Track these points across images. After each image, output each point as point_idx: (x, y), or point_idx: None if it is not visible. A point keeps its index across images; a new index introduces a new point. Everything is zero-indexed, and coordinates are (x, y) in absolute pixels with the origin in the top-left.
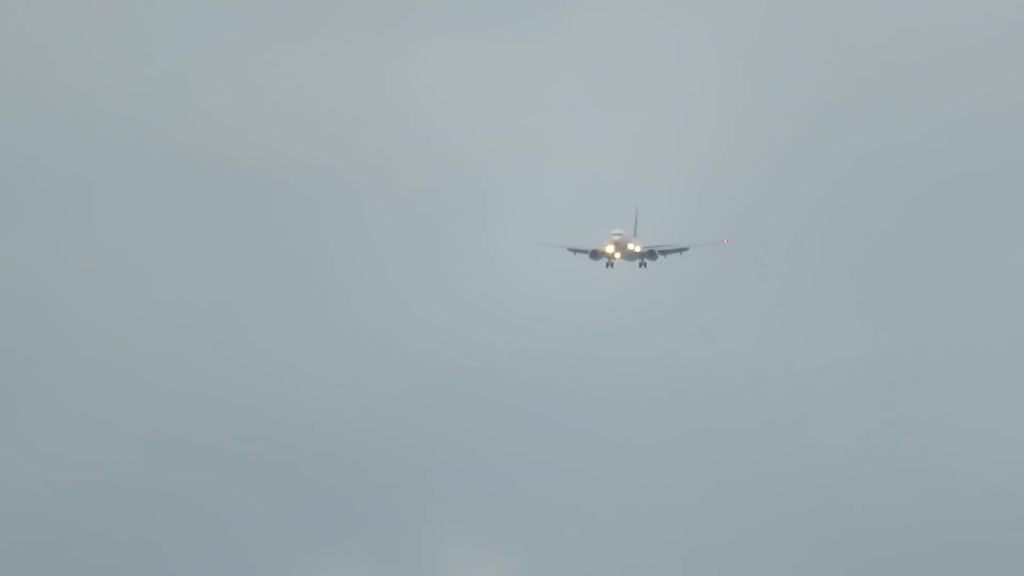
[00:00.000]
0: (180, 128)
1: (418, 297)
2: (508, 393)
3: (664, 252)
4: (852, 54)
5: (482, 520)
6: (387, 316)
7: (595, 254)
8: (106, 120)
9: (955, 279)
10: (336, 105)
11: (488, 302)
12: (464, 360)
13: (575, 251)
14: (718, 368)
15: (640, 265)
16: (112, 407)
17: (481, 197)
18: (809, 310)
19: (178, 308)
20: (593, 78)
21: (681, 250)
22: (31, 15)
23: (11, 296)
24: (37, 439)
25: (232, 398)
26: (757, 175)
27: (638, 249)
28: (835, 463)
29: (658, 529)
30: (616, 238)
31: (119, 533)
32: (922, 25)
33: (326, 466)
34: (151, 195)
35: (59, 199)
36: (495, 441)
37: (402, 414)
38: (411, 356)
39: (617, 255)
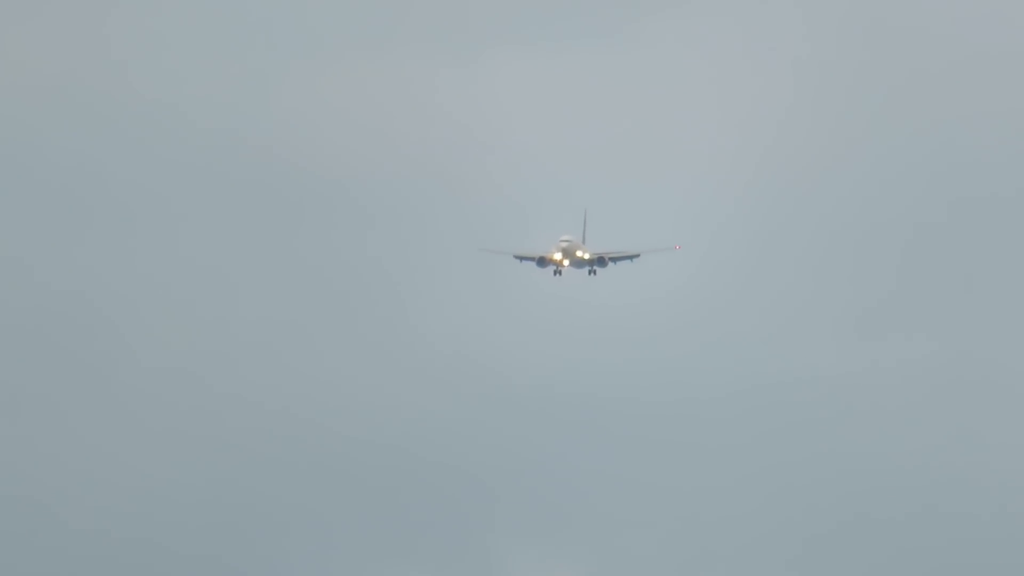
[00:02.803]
0: (253, 137)
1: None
2: (480, 399)
3: (614, 259)
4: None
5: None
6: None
7: (542, 261)
8: (182, 128)
9: (954, 290)
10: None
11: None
12: (408, 367)
13: (522, 259)
14: (678, 375)
15: (590, 273)
16: (180, 418)
17: (427, 202)
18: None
19: (248, 319)
20: (559, 85)
21: (632, 257)
22: (111, 24)
23: (84, 304)
24: (98, 449)
25: (299, 410)
26: (720, 179)
27: (587, 256)
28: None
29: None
30: (564, 245)
31: (183, 542)
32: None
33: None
34: (225, 204)
35: (134, 207)
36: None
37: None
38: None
39: (565, 262)
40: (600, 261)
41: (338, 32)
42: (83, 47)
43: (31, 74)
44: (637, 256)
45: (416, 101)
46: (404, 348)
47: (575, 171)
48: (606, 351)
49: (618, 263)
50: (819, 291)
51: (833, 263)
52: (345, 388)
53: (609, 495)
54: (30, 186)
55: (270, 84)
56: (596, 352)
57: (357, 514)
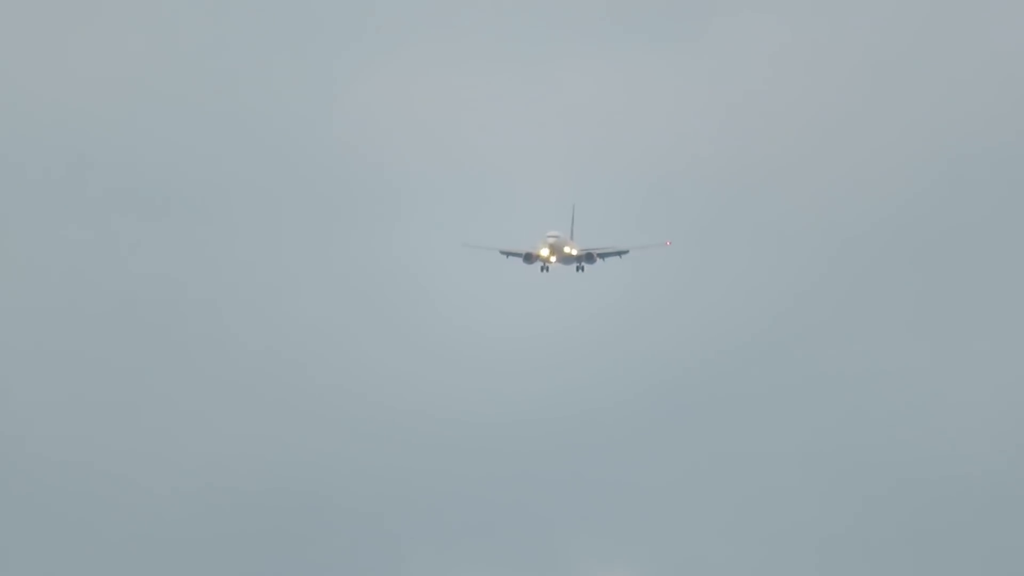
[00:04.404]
0: (313, 135)
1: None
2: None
3: (603, 255)
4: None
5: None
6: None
7: (529, 257)
8: (247, 122)
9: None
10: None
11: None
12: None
13: (508, 254)
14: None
15: (577, 269)
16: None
17: (408, 197)
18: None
19: (245, 312)
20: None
21: (621, 253)
22: (179, 20)
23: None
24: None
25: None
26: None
27: (575, 252)
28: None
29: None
30: (551, 240)
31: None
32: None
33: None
34: (285, 200)
35: (198, 202)
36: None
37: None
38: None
39: (552, 258)
40: (588, 257)
41: (417, 33)
42: (146, 43)
43: (103, 70)
44: (626, 252)
45: (406, 96)
46: (388, 345)
47: (563, 165)
48: (594, 349)
49: (606, 259)
50: (814, 289)
51: (834, 261)
52: (331, 384)
53: (608, 500)
54: (99, 182)
55: (336, 82)
56: (583, 350)
57: (361, 516)
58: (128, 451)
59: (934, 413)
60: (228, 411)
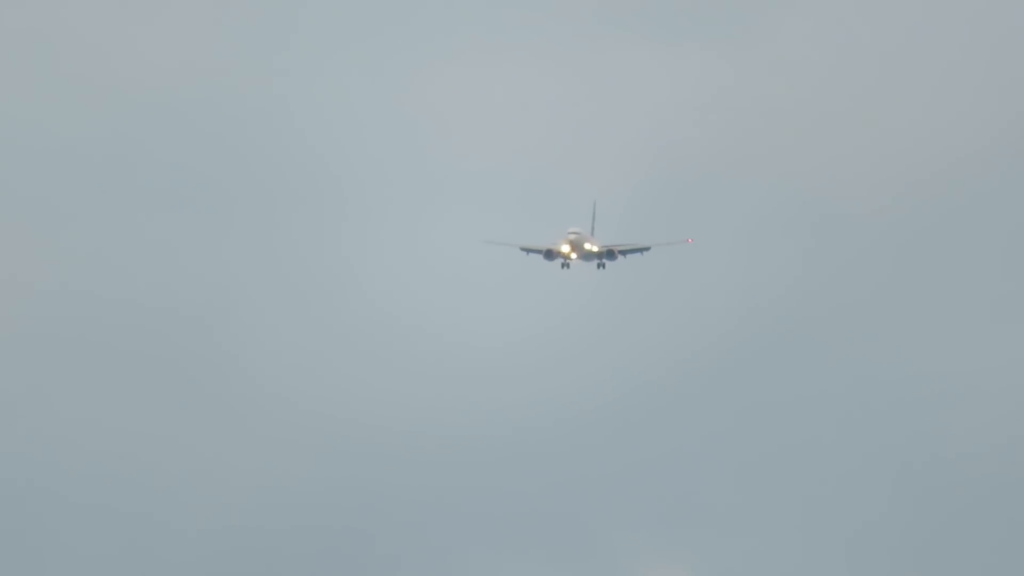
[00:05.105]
0: (317, 136)
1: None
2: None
3: (624, 252)
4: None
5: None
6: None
7: (550, 254)
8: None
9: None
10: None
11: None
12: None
13: (528, 251)
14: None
15: (598, 266)
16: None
17: (428, 194)
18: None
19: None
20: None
21: (642, 250)
22: (234, 23)
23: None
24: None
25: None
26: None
27: (596, 249)
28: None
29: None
30: (572, 237)
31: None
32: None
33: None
34: (292, 198)
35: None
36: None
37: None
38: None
39: (573, 255)
40: (609, 254)
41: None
42: (207, 46)
43: (154, 72)
44: (647, 249)
45: (423, 88)
46: (406, 345)
47: (585, 161)
48: (615, 348)
49: (628, 256)
50: (840, 286)
51: (858, 259)
52: (347, 383)
53: (618, 498)
54: (141, 184)
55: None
56: (606, 349)
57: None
58: (128, 450)
59: (944, 409)
60: (243, 420)
